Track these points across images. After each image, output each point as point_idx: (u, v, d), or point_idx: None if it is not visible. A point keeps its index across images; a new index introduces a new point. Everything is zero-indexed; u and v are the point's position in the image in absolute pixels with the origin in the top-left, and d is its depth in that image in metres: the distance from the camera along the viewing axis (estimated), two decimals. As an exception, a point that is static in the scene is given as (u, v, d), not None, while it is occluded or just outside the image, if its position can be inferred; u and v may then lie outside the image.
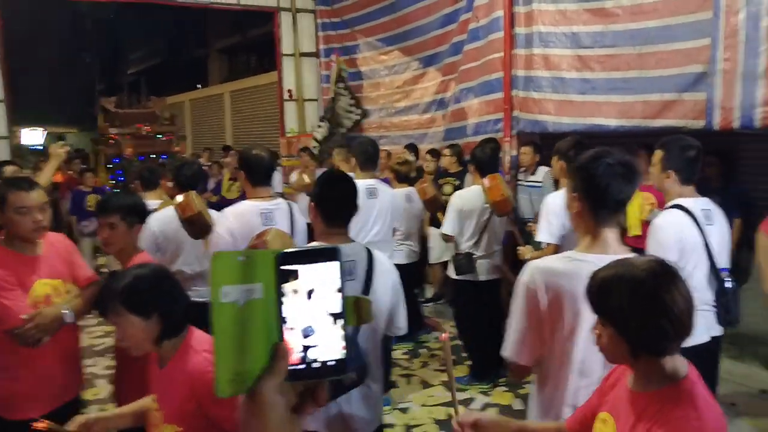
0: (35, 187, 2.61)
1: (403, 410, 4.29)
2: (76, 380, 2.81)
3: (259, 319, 0.66)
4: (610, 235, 1.88)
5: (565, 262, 1.88)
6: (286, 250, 0.67)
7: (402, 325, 2.45)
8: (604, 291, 1.41)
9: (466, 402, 4.41)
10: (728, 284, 2.81)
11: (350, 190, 2.37)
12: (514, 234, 4.21)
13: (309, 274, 0.66)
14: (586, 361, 1.85)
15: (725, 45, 3.82)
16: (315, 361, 0.66)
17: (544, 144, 5.73)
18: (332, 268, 0.67)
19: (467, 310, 4.55)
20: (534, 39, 5.43)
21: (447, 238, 4.51)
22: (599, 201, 1.86)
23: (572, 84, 5.03)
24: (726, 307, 2.83)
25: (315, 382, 0.69)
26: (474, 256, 4.35)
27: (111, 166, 12.21)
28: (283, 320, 0.66)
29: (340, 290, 0.67)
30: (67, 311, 2.56)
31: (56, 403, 2.62)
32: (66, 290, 2.69)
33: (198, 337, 1.97)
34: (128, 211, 2.71)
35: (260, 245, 2.84)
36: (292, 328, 0.66)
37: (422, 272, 6.51)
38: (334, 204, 2.34)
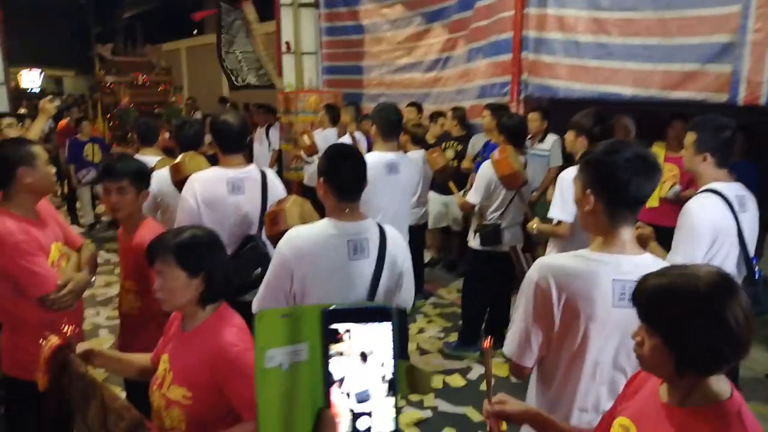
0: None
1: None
2: (80, 337, 2.86)
3: (304, 384, 0.59)
4: (627, 234, 1.74)
5: (580, 261, 1.73)
6: (333, 308, 0.59)
7: (408, 298, 2.47)
8: (659, 300, 1.27)
9: (463, 371, 4.37)
10: (758, 274, 2.74)
11: (359, 165, 2.30)
12: (525, 209, 4.07)
13: (360, 335, 0.59)
14: (600, 363, 1.75)
15: (757, 14, 3.56)
16: (365, 431, 0.59)
17: (553, 111, 5.53)
18: (385, 329, 0.60)
19: (481, 279, 4.43)
20: (549, -2, 5.14)
21: (467, 208, 4.33)
22: (617, 199, 1.71)
23: (587, 48, 4.78)
24: (755, 297, 2.74)
25: None
26: (501, 228, 4.20)
27: (109, 115, 11.99)
28: (330, 384, 0.59)
29: (391, 354, 0.60)
30: (93, 277, 2.68)
31: None
32: (65, 252, 2.69)
33: (231, 311, 1.97)
34: (137, 176, 2.67)
35: (279, 213, 2.81)
36: (340, 393, 0.59)
37: (424, 236, 6.39)
38: (344, 180, 2.27)
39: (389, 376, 0.60)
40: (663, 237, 2.81)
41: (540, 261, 1.80)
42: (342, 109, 6.84)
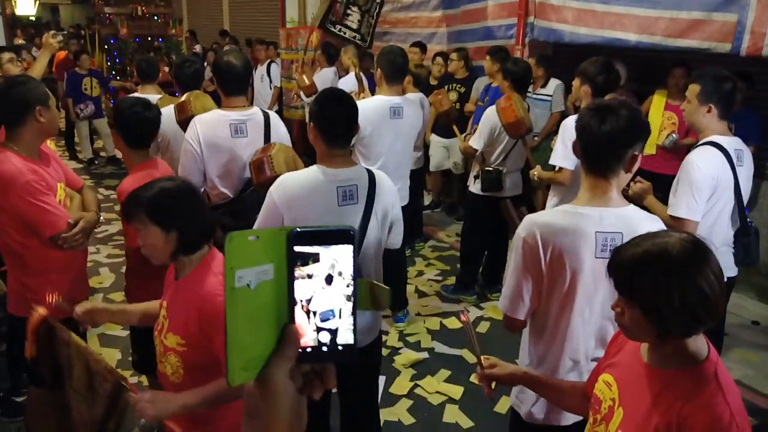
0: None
1: (398, 318, 4.33)
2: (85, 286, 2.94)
3: (269, 302, 0.64)
4: (609, 187, 1.83)
5: (565, 216, 1.83)
6: (298, 230, 0.63)
7: (396, 241, 2.54)
8: (633, 271, 1.31)
9: (460, 313, 4.49)
10: (751, 225, 2.82)
11: (350, 110, 2.30)
12: (528, 156, 4.09)
13: (325, 256, 0.64)
14: (587, 313, 1.86)
15: (766, -37, 3.47)
16: (326, 344, 0.65)
17: (557, 56, 5.44)
18: (346, 251, 0.65)
19: (479, 224, 4.50)
20: (558, -63, 4.97)
21: (470, 152, 4.31)
22: (596, 158, 1.82)
23: (595, -9, 4.67)
24: (746, 247, 2.84)
25: (323, 365, 0.68)
26: (503, 174, 4.24)
27: (107, 47, 11.75)
28: (293, 302, 0.64)
29: (353, 274, 0.65)
30: (101, 215, 2.73)
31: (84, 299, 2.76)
32: (69, 193, 2.73)
33: (218, 257, 1.98)
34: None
35: (265, 161, 2.81)
36: (302, 310, 0.64)
37: (423, 179, 6.42)
38: (334, 125, 2.27)
39: (347, 294, 0.64)
40: (659, 184, 2.87)
41: (527, 218, 1.89)
42: (343, 48, 6.70)
